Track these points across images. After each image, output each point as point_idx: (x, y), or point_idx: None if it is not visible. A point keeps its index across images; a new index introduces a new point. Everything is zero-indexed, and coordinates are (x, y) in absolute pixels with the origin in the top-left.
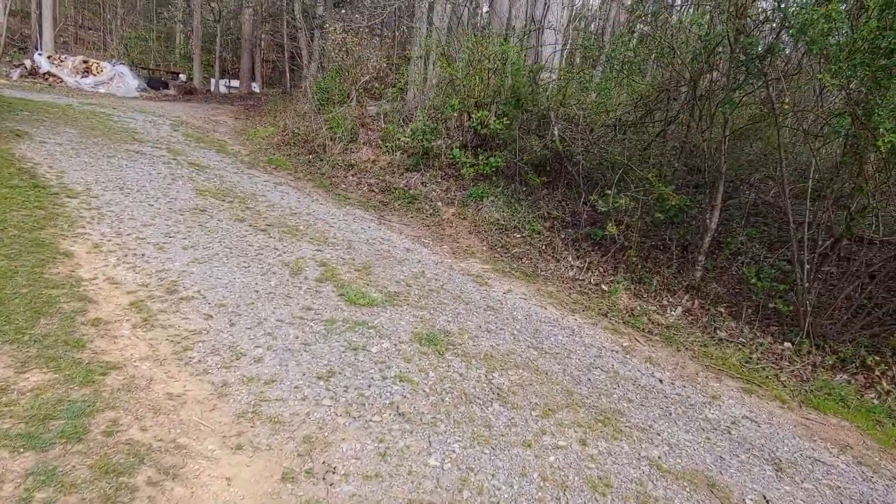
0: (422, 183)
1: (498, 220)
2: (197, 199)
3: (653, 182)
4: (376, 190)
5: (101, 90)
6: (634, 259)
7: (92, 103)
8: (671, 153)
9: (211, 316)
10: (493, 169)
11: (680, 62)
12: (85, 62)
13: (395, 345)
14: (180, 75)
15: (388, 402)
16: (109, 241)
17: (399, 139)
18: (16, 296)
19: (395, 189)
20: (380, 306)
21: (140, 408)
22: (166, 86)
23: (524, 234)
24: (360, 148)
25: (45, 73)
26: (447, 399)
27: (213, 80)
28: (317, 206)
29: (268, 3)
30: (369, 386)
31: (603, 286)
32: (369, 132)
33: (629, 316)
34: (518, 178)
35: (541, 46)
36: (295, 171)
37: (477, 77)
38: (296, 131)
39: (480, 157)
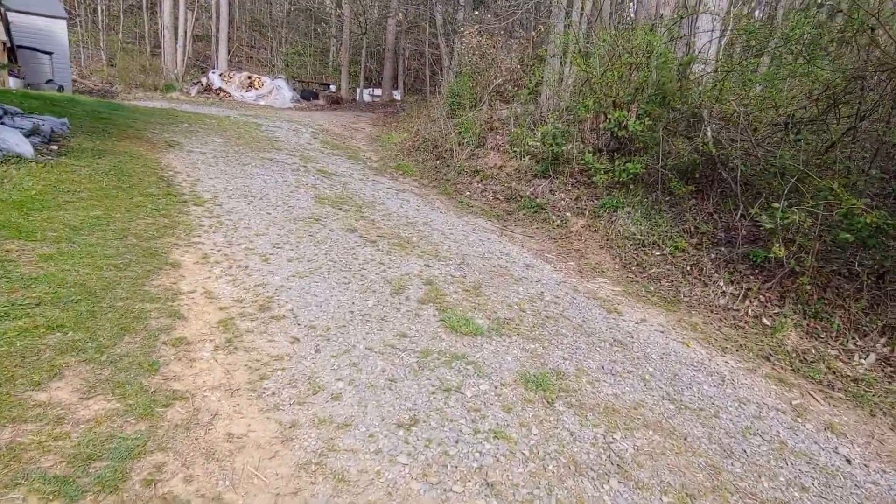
0: (550, 191)
1: (634, 234)
2: (314, 208)
3: (838, 193)
4: (501, 198)
5: (261, 102)
6: (808, 288)
7: (248, 114)
8: (863, 157)
9: (298, 339)
10: (631, 176)
11: (886, 41)
12: (249, 78)
13: (496, 387)
14: (330, 86)
15: (475, 465)
16: (219, 250)
17: (528, 143)
18: (110, 309)
19: (521, 197)
20: (485, 336)
21: (193, 451)
22: (316, 96)
23: (665, 252)
24: (488, 153)
25: (216, 89)
26: (550, 468)
27: (358, 90)
28: (435, 216)
29: (411, 12)
30: (456, 441)
31: (764, 320)
32: (497, 136)
33: (800, 361)
34: (660, 187)
35: (693, 36)
36: (420, 176)
37: (615, 73)
38: (426, 136)
39: (616, 163)
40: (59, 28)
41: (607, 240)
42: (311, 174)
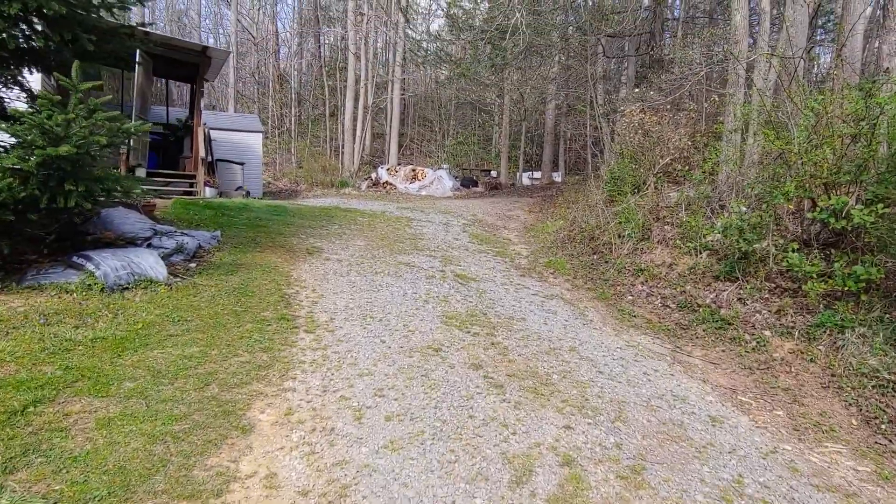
0: (738, 298)
1: (876, 369)
2: (438, 332)
3: None
4: (672, 305)
5: (423, 193)
6: None
7: (406, 207)
8: None
9: None
10: (862, 283)
11: None
12: (413, 170)
13: None
14: (491, 172)
15: None
16: (309, 402)
17: (705, 237)
18: None
19: (699, 306)
20: None
21: None
22: (476, 183)
23: None
24: (654, 247)
25: (384, 183)
26: None
27: (518, 174)
28: (587, 334)
29: (570, 95)
30: None
31: None
32: (665, 227)
33: None
34: None
35: None
36: (574, 276)
37: (826, 147)
38: (582, 226)
39: (836, 265)
40: (255, 141)
41: (832, 375)
42: (446, 281)
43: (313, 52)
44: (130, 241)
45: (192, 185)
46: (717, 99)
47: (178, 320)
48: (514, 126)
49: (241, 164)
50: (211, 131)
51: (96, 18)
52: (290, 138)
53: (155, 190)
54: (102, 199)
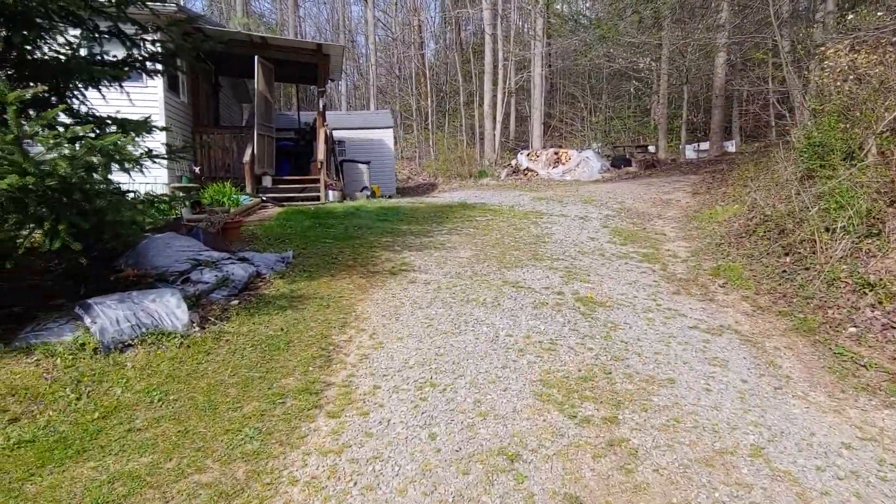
0: None
1: None
2: (524, 417)
3: None
4: None
5: (567, 177)
6: None
7: (542, 198)
8: None
9: None
10: None
11: None
12: (556, 153)
13: None
14: (648, 147)
15: None
16: None
17: None
18: None
19: None
20: None
21: None
22: (629, 162)
23: None
24: (891, 249)
25: (524, 169)
26: None
27: (680, 147)
28: (783, 412)
29: (746, 44)
30: None
31: None
32: None
33: None
34: None
35: None
36: (755, 290)
37: None
38: (766, 213)
39: None
40: (385, 137)
41: None
42: (561, 311)
43: (452, 38)
44: (161, 278)
45: (317, 190)
46: None
47: (160, 400)
48: (673, 91)
49: (367, 162)
50: (337, 132)
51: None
52: (429, 131)
53: (278, 198)
54: (107, 234)
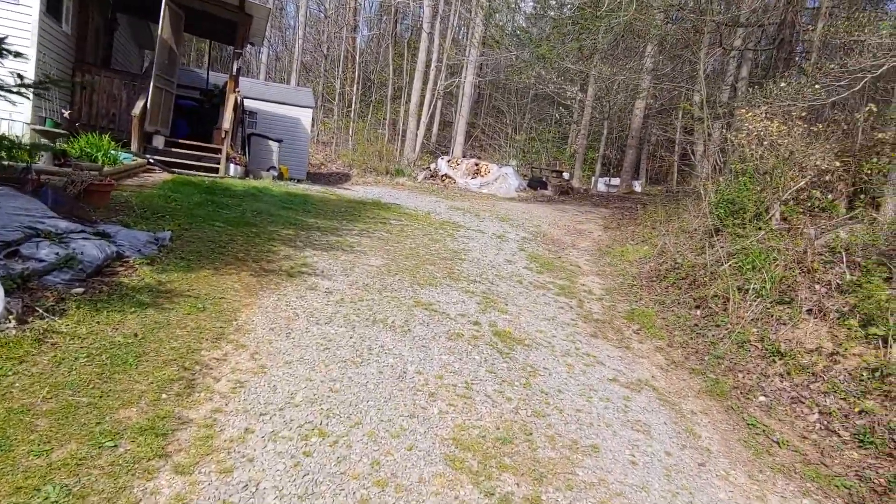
0: None
1: None
2: (430, 495)
3: None
4: (842, 432)
5: (484, 190)
6: None
7: (459, 208)
8: None
9: None
10: None
11: None
12: (476, 164)
13: None
14: (564, 174)
15: None
16: None
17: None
18: None
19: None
20: None
21: None
22: (544, 185)
23: None
24: (800, 318)
25: (442, 175)
26: None
27: (593, 178)
28: (709, 494)
29: (662, 96)
30: None
31: None
32: (816, 286)
33: None
34: None
35: None
36: (669, 341)
37: None
38: (677, 260)
39: None
40: (303, 117)
41: None
42: (478, 346)
43: (385, 28)
44: None
45: (217, 162)
46: (872, 109)
47: None
48: (594, 125)
49: (279, 140)
50: (250, 101)
51: None
52: (350, 119)
53: (169, 163)
54: None
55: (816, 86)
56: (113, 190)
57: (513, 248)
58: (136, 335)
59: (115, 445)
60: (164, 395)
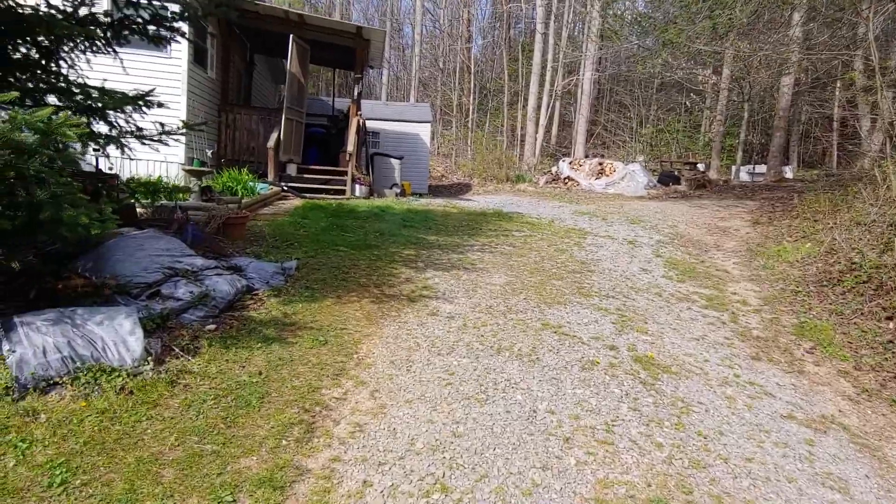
0: None
1: None
2: None
3: None
4: None
5: (611, 190)
6: None
7: (584, 213)
8: None
9: None
10: None
11: None
12: (600, 164)
13: None
14: (698, 165)
15: None
16: None
17: None
18: None
19: None
20: None
21: None
22: (677, 180)
23: None
24: None
25: (565, 178)
26: None
27: (733, 168)
28: None
29: (817, 68)
30: None
31: None
32: None
33: None
34: None
35: None
36: (856, 363)
37: None
38: (852, 258)
39: None
40: (422, 132)
41: None
42: (617, 376)
43: (498, 35)
44: (121, 290)
45: (344, 184)
46: None
47: (61, 484)
48: (731, 109)
49: (400, 157)
50: (372, 122)
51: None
52: (468, 129)
53: (300, 188)
54: (43, 237)
55: None
56: (247, 221)
57: (647, 255)
58: (260, 374)
59: (234, 501)
60: (283, 441)
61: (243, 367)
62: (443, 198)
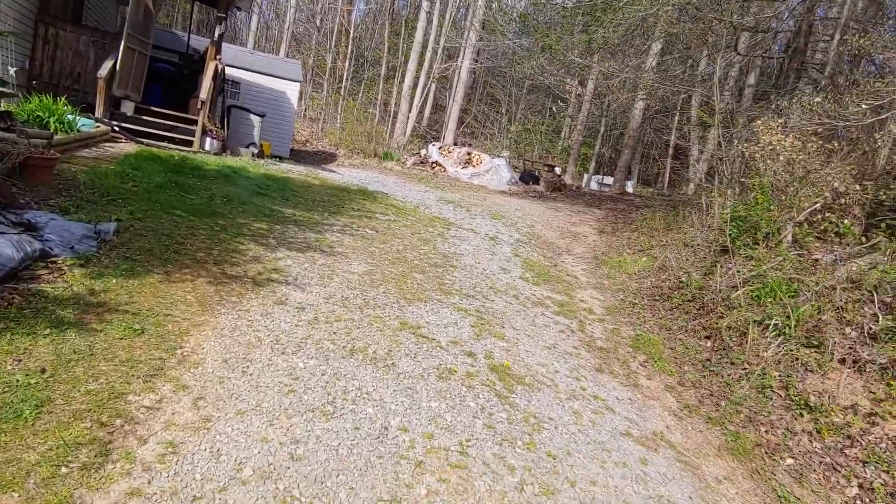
0: None
1: None
2: None
3: None
4: None
5: (476, 181)
6: None
7: (449, 201)
8: None
9: None
10: None
11: None
12: (469, 154)
13: None
14: (556, 168)
15: None
16: None
17: None
18: None
19: None
20: None
21: None
22: (536, 180)
23: None
24: (831, 367)
25: (432, 162)
26: None
27: (585, 176)
28: None
29: (666, 98)
30: None
31: None
32: (848, 328)
33: None
34: None
35: None
36: (679, 378)
37: None
38: (680, 277)
39: None
40: (290, 91)
41: None
42: (473, 391)
43: (382, 3)
44: None
45: (192, 134)
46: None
47: None
48: (590, 121)
49: (262, 115)
50: (235, 71)
51: None
52: (340, 96)
53: (137, 132)
54: None
55: (863, 105)
56: (58, 164)
57: (507, 253)
58: (43, 371)
59: None
60: (63, 469)
61: (19, 360)
62: (305, 165)
